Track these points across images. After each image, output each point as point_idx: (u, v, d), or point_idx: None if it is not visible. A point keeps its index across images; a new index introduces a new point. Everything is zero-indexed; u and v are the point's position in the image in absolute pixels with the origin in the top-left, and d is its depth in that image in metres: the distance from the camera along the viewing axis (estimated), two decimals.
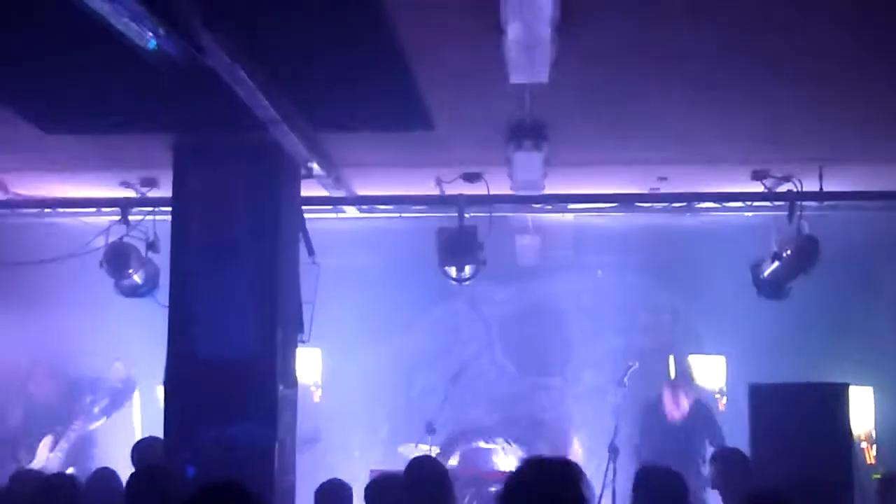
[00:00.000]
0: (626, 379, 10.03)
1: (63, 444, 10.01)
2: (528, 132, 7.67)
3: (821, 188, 9.20)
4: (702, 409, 10.15)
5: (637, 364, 10.03)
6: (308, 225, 8.63)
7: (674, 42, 6.18)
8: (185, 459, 7.14)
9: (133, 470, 6.73)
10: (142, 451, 7.84)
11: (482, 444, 10.90)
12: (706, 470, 9.36)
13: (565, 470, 4.28)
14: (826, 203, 9.39)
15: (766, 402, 8.23)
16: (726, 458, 8.02)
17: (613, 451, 9.15)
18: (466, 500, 9.32)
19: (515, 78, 6.08)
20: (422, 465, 6.82)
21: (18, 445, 10.10)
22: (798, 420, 7.92)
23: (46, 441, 10.04)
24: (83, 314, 10.48)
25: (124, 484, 6.32)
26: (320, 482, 6.81)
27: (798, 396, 8.17)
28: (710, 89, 7.07)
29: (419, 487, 6.37)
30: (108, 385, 10.66)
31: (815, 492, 6.97)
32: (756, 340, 10.57)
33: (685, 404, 9.97)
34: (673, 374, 10.21)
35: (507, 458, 10.79)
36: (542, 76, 6.04)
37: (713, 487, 7.90)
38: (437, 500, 6.33)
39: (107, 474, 7.14)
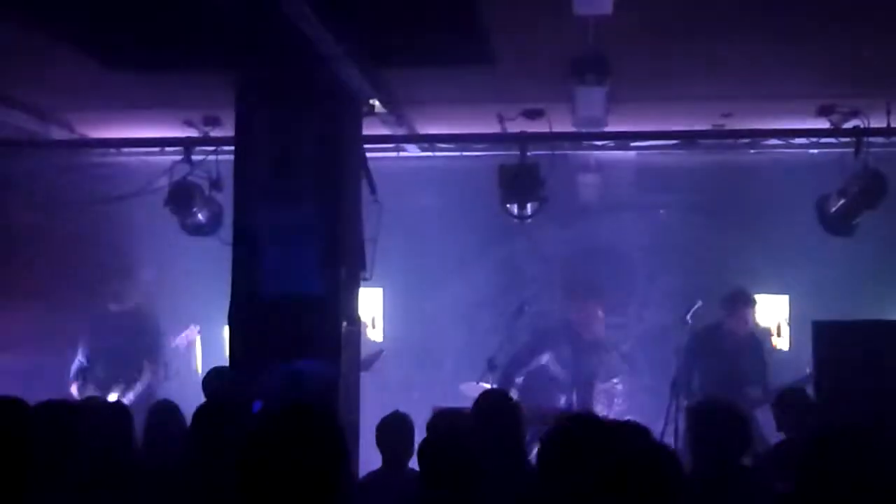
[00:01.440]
0: (689, 317, 9.97)
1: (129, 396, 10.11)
2: (590, 66, 7.56)
3: (888, 123, 9.05)
4: (755, 337, 10.10)
5: (701, 302, 9.96)
6: (369, 164, 8.63)
7: None
8: (250, 396, 7.19)
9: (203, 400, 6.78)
10: (213, 381, 7.91)
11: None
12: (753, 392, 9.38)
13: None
14: (894, 139, 9.25)
15: (830, 340, 8.12)
16: (789, 401, 7.91)
17: (676, 387, 9.11)
18: (528, 438, 9.31)
19: (579, 9, 6.03)
20: (492, 399, 6.75)
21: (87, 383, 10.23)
22: (863, 358, 7.82)
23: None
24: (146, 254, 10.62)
25: (186, 418, 6.33)
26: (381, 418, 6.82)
27: (864, 334, 8.06)
28: (775, 23, 6.96)
29: (490, 421, 6.26)
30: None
31: (880, 431, 6.89)
32: (820, 279, 10.45)
33: (750, 323, 9.94)
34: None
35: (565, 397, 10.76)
36: (606, 8, 5.98)
37: (778, 430, 7.81)
38: (508, 434, 6.22)
39: (167, 406, 7.13)
